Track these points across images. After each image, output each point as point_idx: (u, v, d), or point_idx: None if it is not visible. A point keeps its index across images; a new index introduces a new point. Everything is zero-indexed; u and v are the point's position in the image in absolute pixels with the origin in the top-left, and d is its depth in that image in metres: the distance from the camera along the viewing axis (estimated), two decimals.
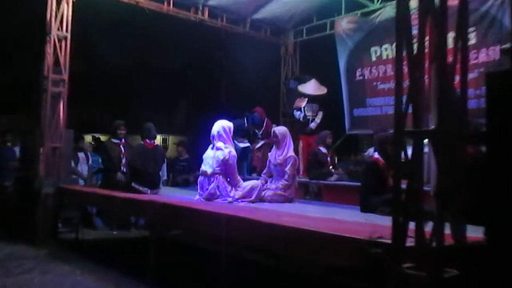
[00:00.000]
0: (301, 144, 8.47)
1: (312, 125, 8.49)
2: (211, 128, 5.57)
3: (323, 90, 8.59)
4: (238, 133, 7.33)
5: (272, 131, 5.95)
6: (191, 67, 15.15)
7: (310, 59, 10.58)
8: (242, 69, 12.29)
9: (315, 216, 4.23)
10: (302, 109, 8.49)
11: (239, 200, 5.30)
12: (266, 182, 5.84)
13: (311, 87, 8.54)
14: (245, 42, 10.52)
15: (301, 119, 8.51)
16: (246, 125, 8.41)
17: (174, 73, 15.81)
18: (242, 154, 8.01)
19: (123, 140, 7.10)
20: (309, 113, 8.52)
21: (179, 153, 9.20)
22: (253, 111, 8.62)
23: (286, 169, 5.59)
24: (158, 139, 16.73)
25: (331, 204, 5.81)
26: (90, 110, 15.04)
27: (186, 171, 9.01)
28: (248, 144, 8.46)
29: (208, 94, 15.66)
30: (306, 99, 8.31)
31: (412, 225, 2.70)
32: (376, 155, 4.85)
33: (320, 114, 8.59)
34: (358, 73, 9.18)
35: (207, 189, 5.35)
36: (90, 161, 8.78)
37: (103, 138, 10.96)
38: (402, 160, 2.77)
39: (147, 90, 15.90)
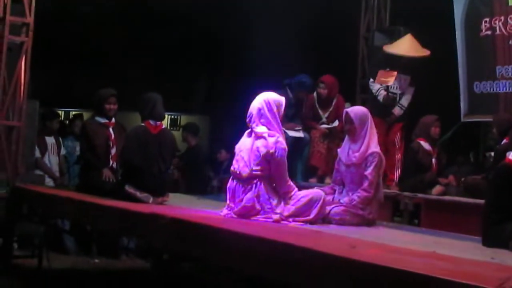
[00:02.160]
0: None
1: (396, 111, 8.34)
2: (247, 104, 5.59)
3: (424, 51, 8.40)
4: (285, 113, 7.22)
5: (344, 113, 5.95)
6: (217, 10, 15.15)
7: (407, 2, 10.42)
8: (297, 16, 12.21)
9: (411, 249, 4.19)
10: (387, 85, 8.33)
11: (291, 219, 5.31)
12: (334, 192, 5.86)
13: (404, 45, 8.36)
14: None
15: (381, 98, 8.35)
16: (290, 96, 8.32)
17: (192, 19, 15.84)
18: (294, 147, 7.97)
19: (113, 120, 7.19)
20: (394, 90, 8.35)
21: (186, 141, 9.33)
22: (319, 81, 8.59)
23: (367, 172, 5.60)
24: (165, 121, 16.90)
25: (434, 232, 5.76)
26: (65, 72, 15.28)
27: (199, 170, 9.07)
28: (301, 134, 8.42)
29: (243, 53, 15.64)
30: (396, 73, 8.13)
31: None
32: None
33: (409, 93, 8.40)
34: (484, 26, 9.00)
35: (241, 200, 5.38)
36: (63, 150, 8.96)
37: (85, 116, 11.15)
38: None
39: (150, 44, 16.02)
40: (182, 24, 15.60)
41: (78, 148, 8.50)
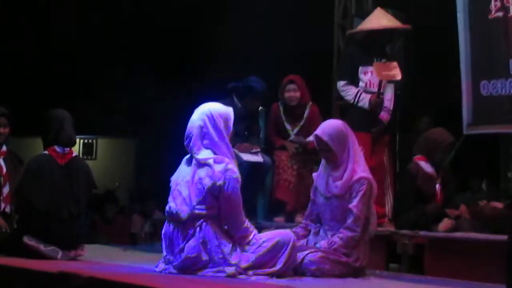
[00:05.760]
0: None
1: (384, 116, 8.18)
2: (186, 122, 5.57)
3: (402, 24, 8.40)
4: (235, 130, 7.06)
5: (313, 138, 5.92)
6: None
7: None
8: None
9: None
10: (363, 80, 8.16)
11: (251, 272, 5.26)
12: (308, 233, 5.87)
13: (377, 19, 8.32)
14: None
15: (365, 103, 8.13)
16: (239, 106, 8.20)
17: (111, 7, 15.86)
18: (251, 176, 7.93)
19: (4, 148, 7.13)
20: (371, 89, 8.13)
21: None
22: (287, 81, 8.49)
23: (352, 205, 5.61)
24: (77, 147, 16.76)
25: (443, 281, 5.79)
26: None
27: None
28: (260, 157, 8.30)
29: (178, 52, 15.68)
30: (396, 63, 8.02)
31: None
32: None
33: (390, 90, 8.19)
34: (493, 6, 9.09)
35: (182, 249, 5.34)
36: None
37: None
38: None
39: (57, 43, 15.95)
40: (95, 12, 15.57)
41: None
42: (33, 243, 6.16)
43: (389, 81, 8.08)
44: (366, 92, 7.94)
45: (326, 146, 5.74)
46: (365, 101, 7.91)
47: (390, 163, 8.33)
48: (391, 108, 8.12)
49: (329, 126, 5.94)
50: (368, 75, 7.97)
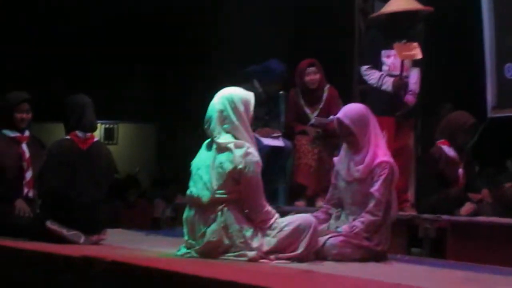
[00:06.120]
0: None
1: (410, 99, 8.14)
2: (206, 106, 5.58)
3: (426, 7, 8.31)
4: (255, 114, 7.01)
5: (335, 121, 5.93)
6: None
7: None
8: None
9: None
10: (386, 64, 8.07)
11: (272, 257, 5.28)
12: (329, 217, 5.87)
13: (395, 2, 8.24)
14: None
15: (388, 86, 8.06)
16: (260, 90, 8.20)
17: None
18: (272, 161, 7.96)
19: (26, 133, 7.15)
20: (395, 72, 8.04)
21: None
22: (306, 65, 8.45)
23: (373, 189, 5.60)
24: (98, 132, 16.83)
25: (465, 265, 5.73)
26: None
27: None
28: (281, 142, 8.32)
29: (198, 36, 15.65)
30: (417, 43, 7.96)
31: None
32: None
33: (415, 74, 8.17)
34: None
35: (203, 234, 5.35)
36: None
37: None
38: None
39: (75, 30, 15.97)
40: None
41: None
42: (56, 228, 6.18)
43: (414, 65, 8.05)
44: (390, 75, 7.88)
45: (348, 129, 5.72)
46: (388, 84, 7.85)
47: (418, 148, 8.28)
48: (417, 91, 8.09)
49: (351, 109, 5.94)
50: (391, 59, 7.91)
